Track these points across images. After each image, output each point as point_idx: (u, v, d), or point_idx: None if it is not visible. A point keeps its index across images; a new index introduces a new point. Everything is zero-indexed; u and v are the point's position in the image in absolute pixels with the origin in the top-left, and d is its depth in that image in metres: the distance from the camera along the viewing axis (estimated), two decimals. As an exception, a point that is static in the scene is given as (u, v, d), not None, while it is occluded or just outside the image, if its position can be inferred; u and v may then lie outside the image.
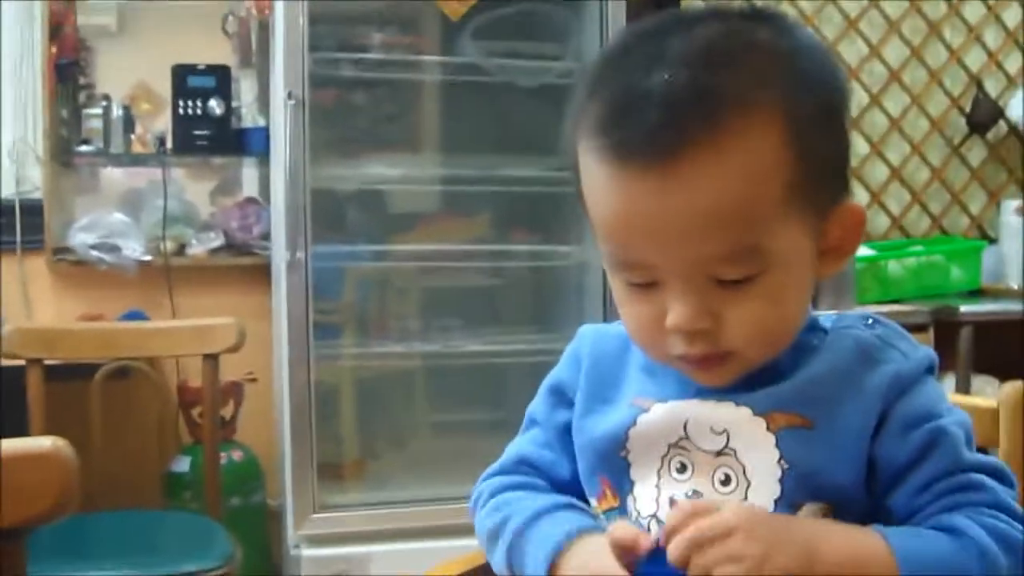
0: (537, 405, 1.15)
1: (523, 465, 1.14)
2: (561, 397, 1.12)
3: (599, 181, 0.94)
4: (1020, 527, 0.92)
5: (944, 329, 3.39)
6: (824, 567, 0.88)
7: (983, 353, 3.42)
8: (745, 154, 0.90)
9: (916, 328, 3.32)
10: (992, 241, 4.10)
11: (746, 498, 0.95)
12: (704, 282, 0.93)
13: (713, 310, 0.93)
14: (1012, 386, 1.25)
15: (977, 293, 3.81)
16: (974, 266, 3.84)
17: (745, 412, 0.97)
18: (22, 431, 2.03)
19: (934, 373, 1.00)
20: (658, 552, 0.92)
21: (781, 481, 0.95)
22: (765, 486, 0.95)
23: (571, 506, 1.07)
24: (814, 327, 1.02)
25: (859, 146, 4.14)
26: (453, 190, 3.71)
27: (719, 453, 0.98)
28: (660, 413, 1.01)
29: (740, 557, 0.87)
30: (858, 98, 4.11)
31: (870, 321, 1.02)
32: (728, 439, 0.97)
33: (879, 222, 4.19)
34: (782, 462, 0.95)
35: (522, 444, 1.15)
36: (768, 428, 0.96)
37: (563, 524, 1.03)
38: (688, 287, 0.93)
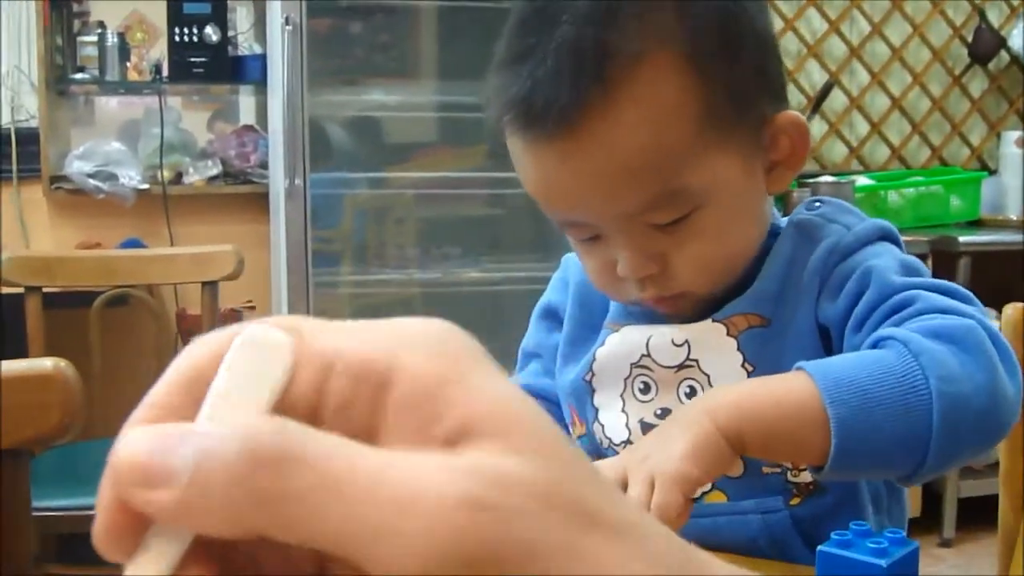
0: (531, 336, 1.16)
1: (530, 359, 1.15)
2: (554, 319, 1.13)
3: (516, 153, 0.96)
4: (960, 320, 0.85)
5: (943, 260, 3.39)
6: (730, 413, 0.81)
7: (981, 284, 3.40)
8: (642, 105, 0.89)
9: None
10: (992, 172, 4.09)
11: None
12: (641, 230, 0.93)
13: (657, 254, 0.94)
14: (1013, 307, 1.25)
15: (976, 224, 3.81)
16: (973, 197, 3.83)
17: (705, 321, 0.98)
18: (21, 358, 2.03)
19: (893, 241, 0.98)
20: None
21: None
22: None
23: None
24: (773, 232, 1.02)
25: (860, 75, 4.11)
26: (451, 117, 3.68)
27: (681, 367, 0.98)
28: (626, 333, 1.02)
29: (662, 504, 0.78)
30: (859, 27, 4.08)
31: (815, 204, 1.02)
32: (689, 350, 0.98)
33: (879, 152, 4.17)
34: (746, 365, 0.95)
35: (522, 378, 1.15)
36: (728, 333, 0.96)
37: None
38: (627, 238, 0.94)
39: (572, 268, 1.13)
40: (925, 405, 0.80)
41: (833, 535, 0.62)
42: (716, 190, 0.93)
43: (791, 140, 0.98)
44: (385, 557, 0.30)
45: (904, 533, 0.64)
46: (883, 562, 0.62)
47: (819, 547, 0.61)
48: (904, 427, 0.80)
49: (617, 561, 0.32)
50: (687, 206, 0.92)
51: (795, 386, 0.82)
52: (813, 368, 0.83)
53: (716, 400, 0.83)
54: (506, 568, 0.30)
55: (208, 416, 0.32)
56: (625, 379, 1.01)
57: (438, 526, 0.30)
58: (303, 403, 0.33)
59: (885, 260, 0.93)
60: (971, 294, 0.91)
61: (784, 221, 1.03)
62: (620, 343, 1.02)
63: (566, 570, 0.31)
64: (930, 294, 0.89)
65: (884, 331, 0.86)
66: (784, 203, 3.20)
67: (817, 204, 1.02)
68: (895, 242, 0.99)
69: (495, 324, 3.76)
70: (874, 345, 0.86)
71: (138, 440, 0.31)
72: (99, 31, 3.62)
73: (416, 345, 0.34)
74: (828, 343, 0.95)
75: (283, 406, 0.32)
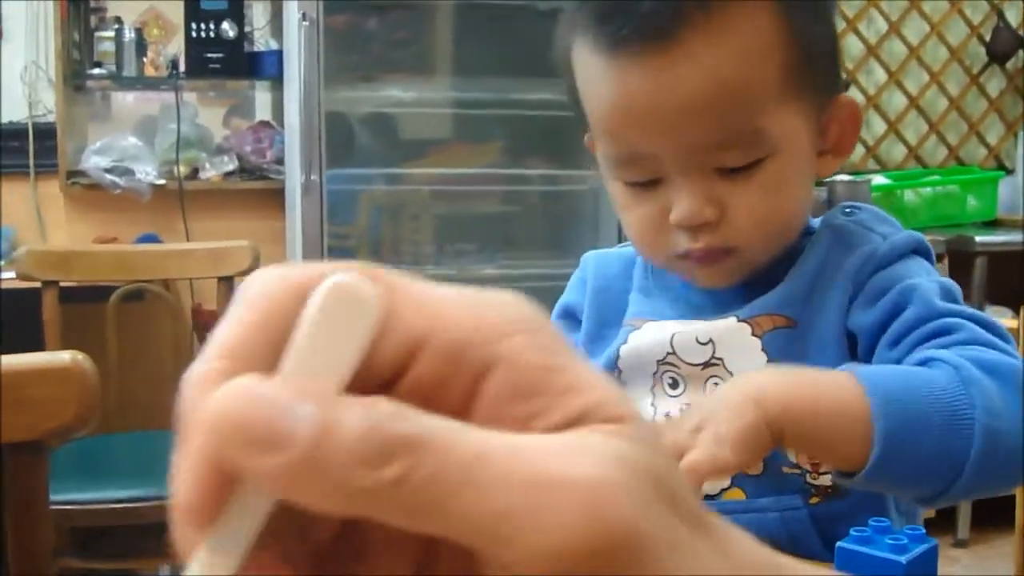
0: None
1: None
2: (571, 320, 1.13)
3: (595, 74, 0.95)
4: (1006, 355, 0.86)
5: (959, 259, 3.38)
6: (777, 405, 0.80)
7: (997, 284, 3.41)
8: (739, 35, 0.91)
9: (931, 258, 3.31)
10: (1009, 172, 4.08)
11: None
12: (706, 172, 0.93)
13: (717, 201, 0.94)
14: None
15: (993, 224, 3.79)
16: (990, 196, 3.82)
17: (730, 320, 0.97)
18: (38, 352, 2.04)
19: (925, 256, 0.98)
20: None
21: None
22: None
23: None
24: (808, 231, 1.02)
25: (877, 74, 4.10)
26: (467, 114, 3.69)
27: (706, 364, 0.98)
28: (649, 330, 1.02)
29: (693, 462, 0.77)
30: (876, 26, 4.07)
31: (848, 210, 1.02)
32: (714, 349, 0.98)
33: (896, 151, 4.16)
34: (769, 365, 0.95)
35: None
36: (753, 333, 0.96)
37: None
38: (690, 179, 0.93)
39: (590, 267, 1.13)
40: (967, 433, 0.80)
41: (852, 531, 0.62)
42: (787, 144, 0.94)
43: (841, 127, 1.00)
44: (523, 538, 0.28)
45: (923, 530, 0.64)
46: (902, 558, 0.61)
47: (838, 543, 0.60)
48: (943, 452, 0.80)
49: (710, 560, 0.31)
50: (759, 151, 0.93)
51: (844, 391, 0.81)
52: (865, 378, 0.82)
53: (766, 390, 0.82)
54: (641, 550, 0.29)
55: (293, 372, 0.30)
56: (653, 374, 1.01)
57: (580, 503, 0.29)
58: (385, 372, 0.32)
59: (926, 281, 0.93)
60: (1006, 330, 0.91)
61: (816, 222, 1.03)
62: (643, 340, 1.02)
63: (682, 562, 0.30)
64: (973, 325, 0.89)
65: (932, 352, 0.86)
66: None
67: (852, 210, 1.02)
68: (927, 255, 0.99)
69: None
70: (921, 364, 0.86)
71: (246, 398, 0.29)
72: (116, 27, 3.63)
73: (515, 331, 0.32)
74: (853, 349, 0.95)
75: (362, 372, 0.31)
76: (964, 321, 0.89)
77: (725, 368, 0.97)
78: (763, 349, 0.96)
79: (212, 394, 0.29)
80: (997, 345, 0.87)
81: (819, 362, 0.91)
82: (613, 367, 1.04)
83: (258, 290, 0.32)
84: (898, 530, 0.62)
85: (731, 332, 0.97)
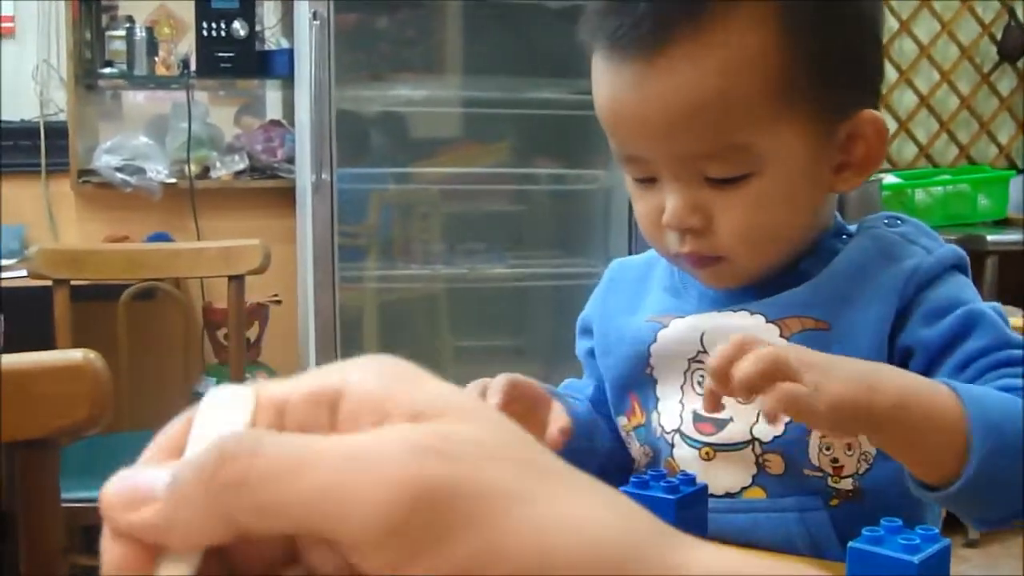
0: (576, 349, 1.18)
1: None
2: (585, 329, 1.15)
3: (597, 74, 0.97)
4: None
5: (970, 259, 3.37)
6: (885, 398, 0.79)
7: (1008, 283, 3.40)
8: (728, 49, 0.91)
9: (941, 257, 3.30)
10: (1020, 171, 4.07)
11: None
12: (694, 180, 0.94)
13: (704, 209, 0.94)
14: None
15: (1003, 223, 3.78)
16: (1001, 196, 3.81)
17: (759, 320, 0.97)
18: (49, 350, 2.04)
19: (963, 271, 0.99)
20: (695, 493, 0.91)
21: None
22: None
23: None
24: (840, 232, 1.02)
25: (888, 73, 4.09)
26: (477, 113, 3.69)
27: None
28: (678, 327, 1.02)
29: (793, 387, 0.77)
30: (887, 24, 4.06)
31: (888, 220, 1.02)
32: None
33: (906, 150, 4.15)
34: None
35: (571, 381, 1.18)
36: (781, 334, 0.96)
37: None
38: (679, 184, 0.94)
39: (610, 271, 1.16)
40: None
41: (864, 531, 0.62)
42: (775, 162, 0.93)
43: (867, 145, 0.97)
44: (350, 517, 0.32)
45: (938, 530, 0.64)
46: (915, 558, 0.61)
47: (850, 543, 0.60)
48: (1017, 484, 0.82)
49: (576, 505, 0.33)
50: (743, 167, 0.93)
51: (948, 403, 0.82)
52: (968, 400, 0.82)
53: (882, 382, 0.81)
54: (465, 510, 0.32)
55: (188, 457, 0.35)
56: (684, 372, 1.02)
57: (390, 473, 0.32)
58: None
59: (987, 307, 0.93)
60: None
61: (853, 227, 1.03)
62: (673, 337, 1.02)
63: (526, 512, 0.32)
64: None
65: (1011, 382, 0.87)
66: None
67: (895, 221, 1.01)
68: (967, 271, 0.99)
69: (519, 320, 3.77)
70: (1003, 389, 0.87)
71: (121, 476, 0.35)
72: (127, 26, 3.63)
73: (360, 369, 0.37)
74: (892, 359, 0.94)
75: None
76: None
77: None
78: None
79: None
80: None
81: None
82: (646, 364, 1.04)
83: (158, 435, 0.37)
84: (910, 529, 0.62)
85: (760, 332, 0.96)
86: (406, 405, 0.35)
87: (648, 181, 0.98)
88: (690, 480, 0.76)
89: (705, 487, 0.79)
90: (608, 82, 0.96)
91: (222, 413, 0.36)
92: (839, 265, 0.98)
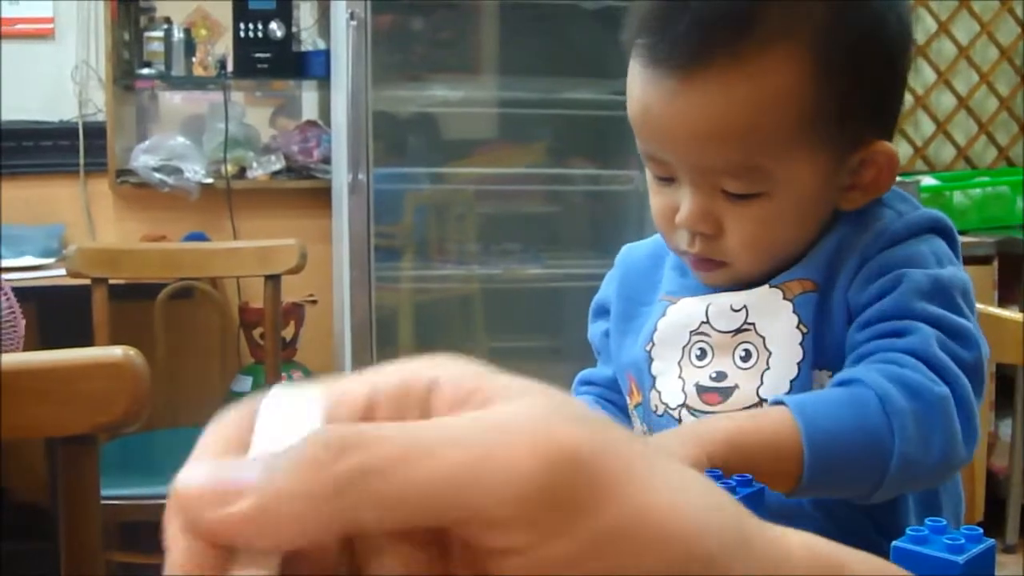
0: (589, 333, 1.21)
1: (583, 385, 1.20)
2: (600, 311, 1.18)
3: (633, 77, 1.00)
4: (934, 376, 0.90)
5: (1008, 262, 3.35)
6: (716, 448, 0.85)
7: (1047, 286, 3.37)
8: (762, 80, 0.94)
9: (980, 260, 3.28)
10: (1060, 173, 4.03)
11: (768, 367, 0.99)
12: (710, 189, 0.98)
13: (715, 217, 0.99)
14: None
15: (1043, 225, 3.75)
16: (1041, 198, 3.78)
17: (763, 287, 1.01)
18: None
19: (944, 235, 1.01)
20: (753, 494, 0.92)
21: (802, 344, 0.98)
22: (787, 352, 0.99)
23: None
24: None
25: (926, 74, 4.07)
26: (512, 114, 3.69)
27: (738, 331, 1.01)
28: (686, 304, 1.05)
29: None
30: (926, 25, 4.03)
31: None
32: (747, 314, 1.01)
33: (944, 152, 4.12)
34: (801, 326, 0.98)
35: (586, 371, 1.21)
36: (784, 296, 1.00)
37: None
38: (695, 190, 0.98)
39: (622, 257, 1.18)
40: (886, 458, 0.88)
41: (908, 531, 0.62)
42: (789, 187, 0.97)
43: (878, 171, 1.00)
44: (486, 494, 0.30)
45: (980, 530, 0.63)
46: (959, 558, 0.61)
47: (893, 543, 0.60)
48: (863, 473, 0.89)
49: (686, 472, 0.33)
50: (758, 186, 0.96)
51: (782, 426, 0.88)
52: (799, 414, 0.88)
53: (712, 433, 0.87)
54: (608, 469, 0.30)
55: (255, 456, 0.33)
56: (683, 347, 1.04)
57: (522, 442, 0.30)
58: None
59: (921, 273, 0.95)
60: (978, 339, 0.95)
61: None
62: (679, 313, 1.05)
63: (658, 476, 0.31)
64: (929, 331, 0.92)
65: (866, 374, 0.90)
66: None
67: None
68: (947, 236, 1.01)
69: (554, 320, 3.76)
70: (851, 382, 0.91)
71: (196, 471, 0.31)
72: (165, 27, 3.66)
73: (444, 363, 0.35)
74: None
75: None
76: (922, 326, 0.93)
77: (756, 332, 1.00)
78: (795, 311, 0.99)
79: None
80: (934, 359, 0.91)
81: (836, 330, 0.97)
82: (648, 341, 1.07)
83: (213, 423, 0.35)
84: (955, 529, 0.62)
85: (764, 297, 1.00)
86: (500, 391, 0.33)
87: (667, 180, 1.02)
88: (747, 481, 0.75)
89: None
90: (641, 88, 0.99)
91: (291, 411, 0.33)
92: (827, 238, 1.01)
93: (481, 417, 0.31)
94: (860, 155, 0.99)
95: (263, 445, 0.33)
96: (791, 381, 0.98)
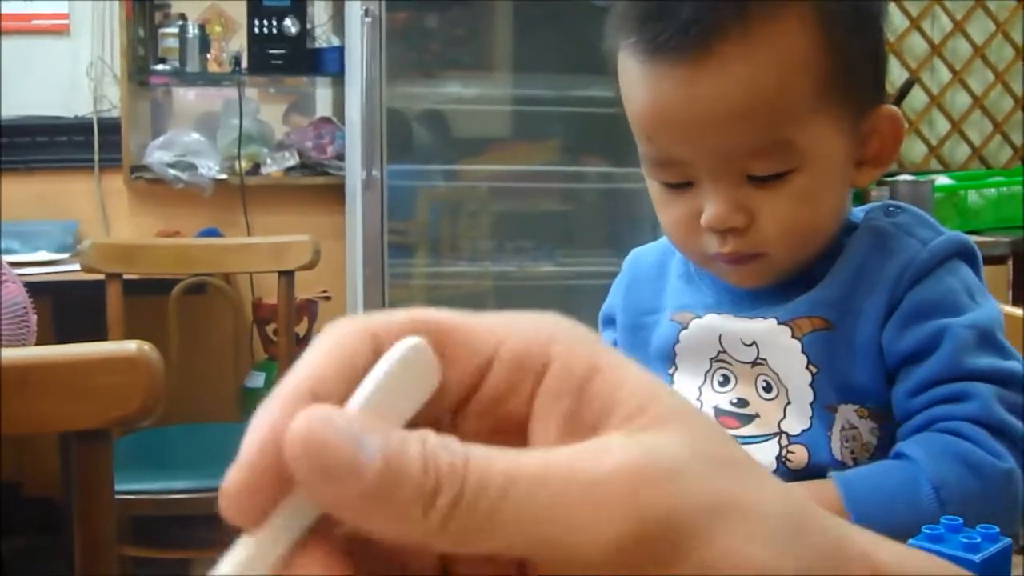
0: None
1: None
2: (608, 320, 1.16)
3: (634, 78, 0.97)
4: (998, 449, 0.90)
5: (1023, 261, 3.33)
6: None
7: (1063, 286, 3.36)
8: (775, 48, 0.92)
9: (995, 260, 3.27)
10: (1076, 172, 4.01)
11: (789, 402, 0.98)
12: (736, 178, 0.95)
13: (746, 207, 0.95)
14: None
15: (1058, 225, 3.73)
16: (1056, 198, 3.76)
17: (770, 323, 0.99)
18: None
19: (967, 260, 0.99)
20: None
21: (812, 385, 0.97)
22: (799, 390, 0.97)
23: None
24: (848, 228, 1.02)
25: (941, 73, 4.05)
26: (526, 111, 3.69)
27: (754, 363, 1.00)
28: (696, 329, 1.04)
29: None
30: (941, 24, 4.02)
31: (893, 210, 1.02)
32: (758, 350, 0.99)
33: (959, 152, 4.11)
34: (810, 367, 0.97)
35: None
36: (793, 335, 0.98)
37: None
38: (720, 184, 0.95)
39: (628, 264, 1.16)
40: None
41: (924, 529, 0.62)
42: (817, 156, 0.94)
43: (882, 139, 0.99)
44: (572, 545, 0.31)
45: (997, 529, 0.63)
46: (976, 557, 0.61)
47: (910, 540, 0.60)
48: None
49: (769, 496, 0.34)
50: (788, 162, 0.94)
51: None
52: (848, 497, 0.88)
53: None
54: (684, 532, 0.32)
55: (361, 410, 0.33)
56: (706, 372, 1.03)
57: (611, 506, 0.31)
58: (460, 395, 0.36)
59: (961, 325, 0.94)
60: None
61: (859, 213, 1.04)
62: (695, 338, 1.03)
63: (734, 522, 0.32)
64: (988, 394, 0.91)
65: (925, 455, 0.89)
66: (862, 201, 3.16)
67: (894, 210, 1.02)
68: (971, 259, 0.99)
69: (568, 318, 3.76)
70: (902, 455, 0.91)
71: (325, 427, 0.31)
72: (180, 23, 3.67)
73: (564, 336, 0.36)
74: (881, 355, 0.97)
75: (436, 399, 0.35)
76: (979, 386, 0.91)
77: (770, 368, 0.99)
78: (803, 351, 0.97)
79: (292, 413, 0.31)
80: (997, 423, 0.90)
81: (856, 367, 0.95)
82: (670, 364, 1.05)
83: (339, 334, 0.35)
84: (971, 528, 0.62)
85: (773, 335, 0.98)
86: (608, 397, 0.34)
87: (682, 186, 0.98)
88: (992, 535, 0.72)
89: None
90: (646, 85, 0.96)
91: (406, 380, 0.34)
92: (844, 263, 0.99)
93: (573, 464, 0.32)
94: (870, 122, 0.98)
95: (371, 395, 0.33)
96: (810, 418, 0.97)
